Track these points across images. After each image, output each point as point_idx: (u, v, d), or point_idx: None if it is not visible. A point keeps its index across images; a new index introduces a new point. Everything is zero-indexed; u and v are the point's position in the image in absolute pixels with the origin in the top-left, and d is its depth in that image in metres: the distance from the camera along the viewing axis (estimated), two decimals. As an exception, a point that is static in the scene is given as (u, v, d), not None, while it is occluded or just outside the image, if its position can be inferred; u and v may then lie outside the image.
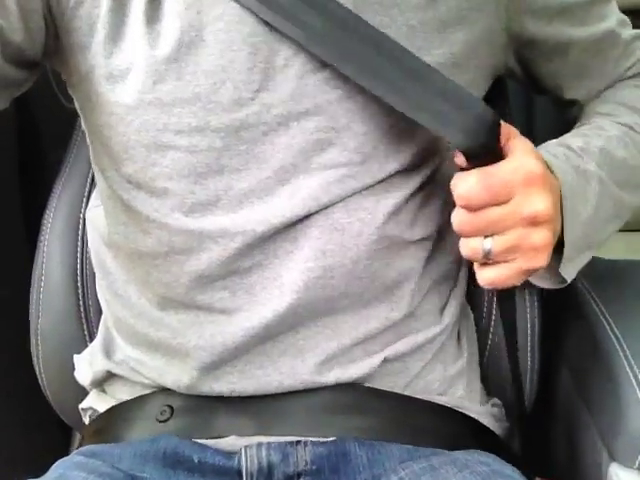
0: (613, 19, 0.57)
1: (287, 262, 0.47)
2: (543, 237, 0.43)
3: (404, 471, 0.46)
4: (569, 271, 0.50)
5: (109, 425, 0.53)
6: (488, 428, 0.54)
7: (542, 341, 0.60)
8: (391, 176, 0.48)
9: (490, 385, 0.60)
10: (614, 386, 0.52)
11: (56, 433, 0.76)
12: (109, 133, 0.49)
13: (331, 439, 0.48)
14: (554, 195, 0.45)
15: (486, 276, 0.44)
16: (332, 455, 0.47)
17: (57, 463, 0.49)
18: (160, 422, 0.50)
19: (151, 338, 0.51)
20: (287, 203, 0.46)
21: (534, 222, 0.43)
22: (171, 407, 0.50)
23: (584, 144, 0.51)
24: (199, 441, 0.49)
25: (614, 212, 0.52)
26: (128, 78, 0.47)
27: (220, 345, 0.48)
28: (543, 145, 0.51)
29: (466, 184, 0.42)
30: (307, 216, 0.47)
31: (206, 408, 0.50)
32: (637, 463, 0.51)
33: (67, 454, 0.52)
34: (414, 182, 0.50)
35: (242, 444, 0.48)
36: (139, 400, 0.52)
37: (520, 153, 0.43)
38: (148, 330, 0.51)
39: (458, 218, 0.43)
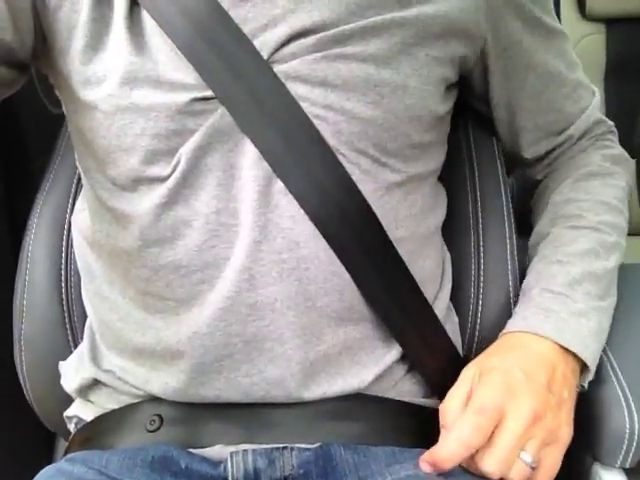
0: (565, 60, 0.59)
1: (257, 253, 0.47)
2: (554, 420, 0.46)
3: (390, 476, 0.46)
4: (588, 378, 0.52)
5: (97, 434, 0.53)
6: None
7: None
8: (373, 163, 0.49)
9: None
10: (596, 387, 0.52)
11: (40, 440, 0.76)
12: (92, 136, 0.50)
13: (317, 445, 0.48)
14: (546, 369, 0.48)
15: (546, 478, 0.46)
16: (319, 459, 0.47)
17: (42, 471, 0.49)
18: (150, 432, 0.50)
19: (135, 343, 0.51)
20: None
21: (538, 417, 0.45)
22: (160, 416, 0.50)
23: (564, 279, 0.53)
24: (187, 449, 0.49)
25: (611, 312, 0.55)
26: (104, 85, 0.48)
27: (200, 347, 0.48)
28: (528, 304, 0.53)
29: (459, 434, 0.44)
30: (277, 205, 0.47)
31: (194, 417, 0.50)
32: (619, 462, 0.52)
33: (52, 461, 0.52)
34: (395, 176, 0.50)
35: (229, 452, 0.48)
36: (127, 409, 0.52)
37: (478, 387, 0.47)
38: (134, 335, 0.51)
39: (486, 467, 0.44)
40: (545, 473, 0.46)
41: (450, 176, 0.62)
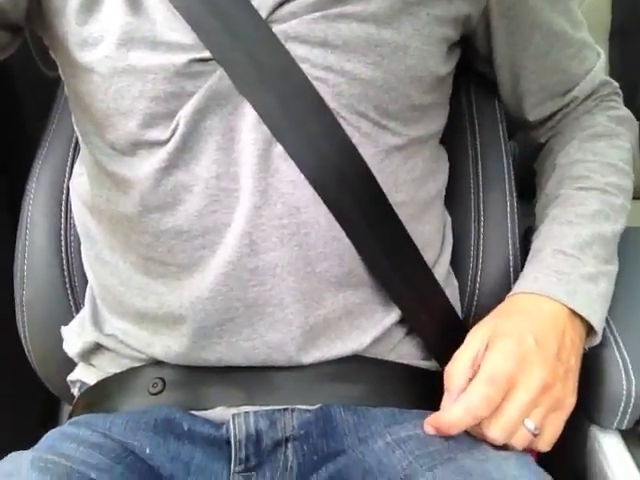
0: (571, 19, 0.58)
1: (257, 219, 0.46)
2: (562, 390, 0.46)
3: (390, 436, 0.46)
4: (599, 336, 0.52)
5: (100, 397, 0.53)
6: None
7: None
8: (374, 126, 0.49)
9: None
10: (595, 351, 0.53)
11: (44, 405, 0.77)
12: (89, 100, 0.49)
13: (317, 406, 0.49)
14: (557, 335, 0.48)
15: (547, 443, 0.47)
16: (319, 420, 0.48)
17: (47, 434, 0.50)
18: (152, 395, 0.50)
19: (137, 308, 0.51)
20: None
21: (547, 387, 0.45)
22: (162, 380, 0.51)
23: (575, 240, 0.52)
24: (190, 411, 0.49)
25: (614, 277, 0.55)
26: (101, 46, 0.47)
27: (202, 312, 0.48)
28: (539, 265, 0.52)
29: (471, 397, 0.45)
30: (277, 169, 0.47)
31: (196, 380, 0.50)
32: (615, 424, 0.52)
33: (56, 425, 0.52)
34: (396, 139, 0.50)
35: (230, 413, 0.48)
36: (130, 373, 0.52)
37: (491, 353, 0.46)
38: (135, 299, 0.51)
39: (491, 434, 0.45)
40: (547, 438, 0.47)
41: (451, 140, 0.61)
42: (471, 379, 0.45)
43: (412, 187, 0.52)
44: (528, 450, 0.55)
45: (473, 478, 0.41)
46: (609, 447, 0.53)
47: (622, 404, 0.51)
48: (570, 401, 0.48)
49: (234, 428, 0.48)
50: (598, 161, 0.57)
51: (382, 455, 0.45)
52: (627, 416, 0.52)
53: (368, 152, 0.48)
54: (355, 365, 0.50)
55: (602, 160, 0.57)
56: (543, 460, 0.57)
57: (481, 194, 0.61)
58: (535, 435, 0.46)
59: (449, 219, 0.61)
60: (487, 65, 0.60)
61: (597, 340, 0.52)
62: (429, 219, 0.55)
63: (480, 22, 0.56)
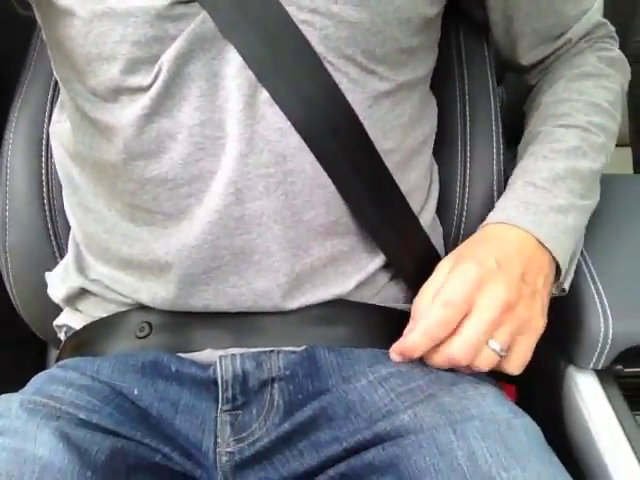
0: None
1: (243, 167, 0.46)
2: (528, 311, 0.47)
3: (373, 375, 0.48)
4: (568, 280, 0.53)
5: (87, 341, 0.54)
6: None
7: None
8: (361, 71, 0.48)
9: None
10: (573, 291, 0.54)
11: (32, 349, 0.77)
12: (70, 45, 0.47)
13: (302, 347, 0.49)
14: (521, 259, 0.48)
15: (515, 365, 0.47)
16: (304, 361, 0.49)
17: (35, 377, 0.50)
18: (139, 338, 0.51)
19: (123, 255, 0.51)
20: None
21: (510, 307, 0.46)
22: (149, 324, 0.51)
23: (548, 174, 0.52)
24: (177, 354, 0.50)
25: (589, 213, 0.55)
26: None
27: (187, 258, 0.48)
28: (509, 196, 0.53)
29: (426, 320, 0.46)
30: (263, 116, 0.46)
31: (183, 324, 0.50)
32: (591, 364, 0.54)
33: (44, 369, 0.53)
34: (385, 84, 0.49)
35: (218, 356, 0.49)
36: (117, 316, 0.53)
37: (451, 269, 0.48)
38: (121, 246, 0.51)
39: (451, 351, 0.45)
40: (515, 361, 0.47)
41: (440, 84, 0.61)
42: None
43: (400, 134, 0.52)
44: (505, 389, 0.57)
45: (452, 415, 0.43)
46: (585, 387, 0.54)
47: (599, 344, 0.52)
48: (538, 324, 0.48)
49: (221, 369, 0.48)
50: (582, 100, 0.57)
51: (365, 393, 0.47)
52: (603, 356, 0.53)
53: (356, 98, 0.48)
54: (339, 308, 0.51)
55: (587, 99, 0.57)
56: (520, 399, 0.59)
57: (468, 139, 0.61)
58: (501, 356, 0.46)
59: (436, 166, 0.61)
60: (479, 7, 0.59)
61: (566, 282, 0.52)
62: (416, 165, 0.55)
63: None
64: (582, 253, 0.56)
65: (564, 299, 0.52)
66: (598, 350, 0.53)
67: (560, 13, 0.58)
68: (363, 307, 0.52)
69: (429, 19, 0.51)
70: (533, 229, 0.49)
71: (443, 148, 0.61)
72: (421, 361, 0.48)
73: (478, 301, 0.45)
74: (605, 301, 0.53)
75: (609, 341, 0.52)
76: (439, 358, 0.46)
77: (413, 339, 0.46)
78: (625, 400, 0.53)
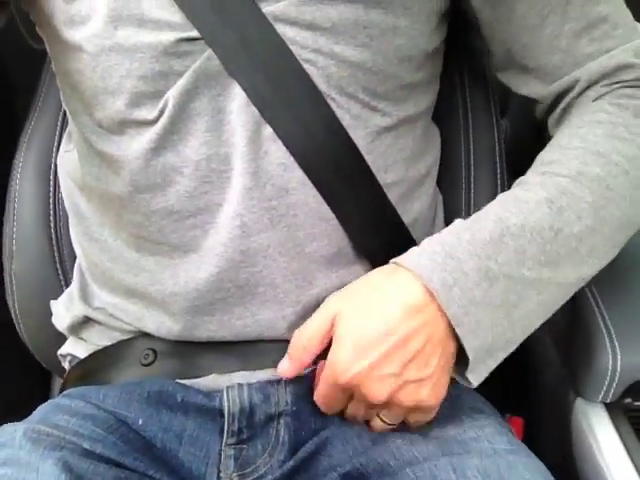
0: None
1: (248, 200, 0.46)
2: (410, 396, 0.43)
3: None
4: (481, 372, 0.44)
5: (92, 370, 0.53)
6: None
7: None
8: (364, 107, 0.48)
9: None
10: (582, 326, 0.53)
11: (37, 378, 0.77)
12: (78, 78, 0.48)
13: (309, 370, 0.48)
14: (414, 333, 0.42)
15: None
16: (309, 393, 0.48)
17: (40, 407, 0.50)
18: (144, 366, 0.50)
19: (127, 283, 0.51)
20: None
21: (387, 404, 0.44)
22: (154, 351, 0.51)
23: (495, 226, 0.44)
24: (182, 382, 0.49)
25: (549, 294, 0.45)
26: (89, 24, 0.46)
27: (194, 290, 0.48)
28: (438, 238, 0.45)
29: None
30: (266, 151, 0.47)
31: (188, 350, 0.50)
32: (600, 397, 0.53)
33: (48, 399, 0.52)
34: (386, 119, 0.50)
35: (223, 382, 0.49)
36: (122, 344, 0.52)
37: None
38: (125, 275, 0.51)
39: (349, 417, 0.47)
40: (418, 421, 0.46)
41: (443, 116, 0.61)
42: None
43: (402, 167, 0.52)
44: (512, 422, 0.56)
45: (450, 446, 0.42)
46: (594, 420, 0.54)
47: (607, 377, 0.52)
48: (430, 403, 0.43)
49: (228, 401, 0.48)
50: (583, 148, 0.48)
51: (361, 428, 0.47)
52: (612, 389, 0.53)
53: (359, 134, 0.48)
54: None
55: (589, 148, 0.47)
56: (527, 431, 0.58)
57: (472, 170, 0.62)
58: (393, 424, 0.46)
59: (440, 197, 0.61)
60: (478, 39, 0.57)
61: (475, 372, 0.43)
62: (419, 196, 0.55)
63: None
64: (589, 286, 0.55)
65: (571, 331, 0.52)
66: (607, 383, 0.52)
67: (567, 51, 0.50)
68: None
69: (429, 54, 0.52)
70: (441, 290, 0.42)
71: (447, 179, 0.62)
72: None
73: (357, 392, 0.44)
74: (613, 334, 0.52)
75: (617, 374, 0.52)
76: None
77: (316, 398, 0.47)
78: (635, 433, 0.53)
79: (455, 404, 0.47)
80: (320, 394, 0.46)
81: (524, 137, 0.66)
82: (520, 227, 0.44)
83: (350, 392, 0.45)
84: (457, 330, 0.42)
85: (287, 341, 0.49)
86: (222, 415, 0.48)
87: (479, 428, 0.44)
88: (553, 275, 0.45)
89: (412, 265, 0.44)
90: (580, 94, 0.51)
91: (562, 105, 0.53)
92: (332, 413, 0.48)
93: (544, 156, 0.50)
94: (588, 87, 0.51)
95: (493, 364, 0.44)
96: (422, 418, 0.46)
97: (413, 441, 0.43)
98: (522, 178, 0.49)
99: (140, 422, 0.48)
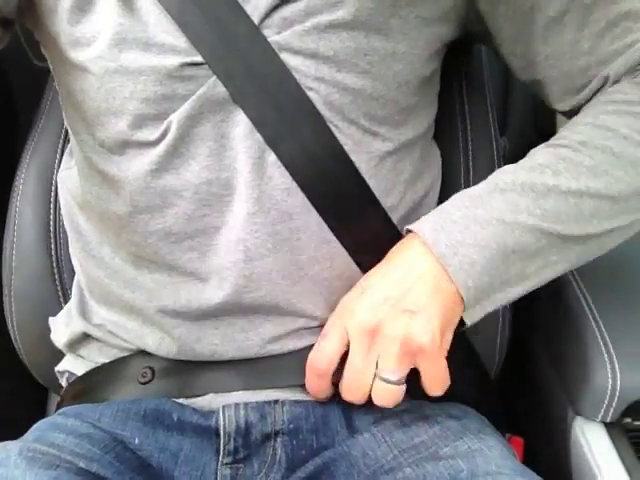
0: None
1: (251, 225, 0.47)
2: (395, 327, 0.43)
3: (376, 427, 0.47)
4: (475, 312, 0.46)
5: (89, 387, 0.53)
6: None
7: (512, 304, 0.61)
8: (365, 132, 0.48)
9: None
10: (581, 345, 0.53)
11: (33, 395, 0.76)
12: (82, 98, 0.49)
13: (309, 399, 0.49)
14: (393, 278, 0.45)
15: (434, 389, 0.45)
16: (310, 416, 0.48)
17: (36, 425, 0.49)
18: (142, 384, 0.50)
19: (126, 300, 0.51)
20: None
21: (376, 331, 0.44)
22: (152, 369, 0.51)
23: (486, 185, 0.46)
24: (178, 401, 0.49)
25: (549, 242, 0.45)
26: (93, 46, 0.47)
27: (197, 309, 0.48)
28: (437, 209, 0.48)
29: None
30: (271, 177, 0.47)
31: (187, 369, 0.50)
32: (599, 417, 0.53)
33: (44, 416, 0.52)
34: (387, 144, 0.50)
35: (220, 402, 0.48)
36: (119, 362, 0.52)
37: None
38: (123, 291, 0.51)
39: (343, 396, 0.46)
40: (430, 383, 0.45)
41: (442, 135, 0.62)
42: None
43: (402, 190, 0.52)
44: (512, 442, 0.56)
45: (457, 474, 0.42)
46: (593, 439, 0.53)
47: (607, 397, 0.52)
48: (423, 339, 0.43)
49: (224, 420, 0.48)
50: (592, 123, 0.48)
51: (368, 448, 0.46)
52: (612, 409, 0.52)
53: (361, 158, 0.49)
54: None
55: (597, 123, 0.47)
56: (527, 450, 0.58)
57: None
58: (402, 383, 0.44)
59: None
60: (499, 53, 0.55)
61: (471, 312, 0.45)
62: (417, 217, 0.55)
63: (470, 11, 0.52)
64: (588, 304, 0.55)
65: (571, 350, 0.52)
66: (606, 402, 0.52)
67: (591, 53, 0.50)
68: None
69: (426, 78, 0.52)
70: (428, 233, 0.45)
71: (447, 197, 0.62)
72: (425, 411, 0.47)
73: (349, 327, 0.45)
74: (613, 353, 0.52)
75: (617, 393, 0.51)
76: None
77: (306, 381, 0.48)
78: (634, 453, 0.52)
79: (462, 427, 0.46)
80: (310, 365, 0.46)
81: (523, 155, 0.66)
82: (510, 182, 0.45)
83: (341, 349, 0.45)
84: (448, 270, 0.44)
85: (285, 355, 0.49)
86: (218, 434, 0.48)
87: (487, 450, 0.44)
88: (552, 226, 0.45)
89: (411, 227, 0.47)
90: (604, 89, 0.51)
91: (590, 100, 0.52)
92: (325, 396, 0.47)
93: (556, 136, 0.50)
94: (615, 82, 0.50)
95: (489, 306, 0.46)
96: (428, 367, 0.44)
97: (422, 470, 0.42)
98: (530, 152, 0.49)
99: (136, 441, 0.48)
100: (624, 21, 0.49)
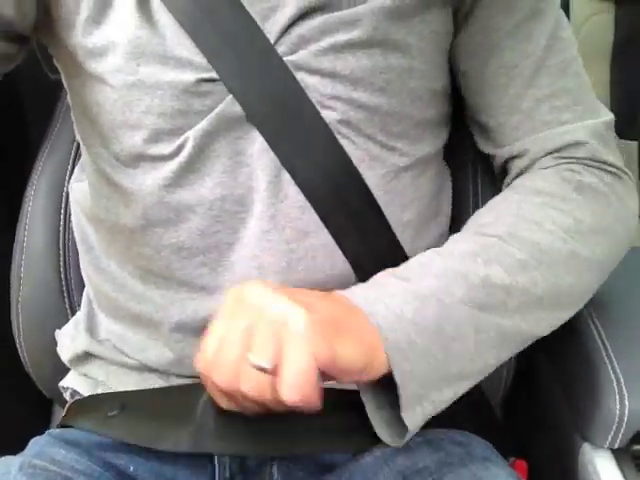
0: (542, 42, 0.50)
1: (265, 243, 0.47)
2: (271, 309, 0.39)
3: (379, 450, 0.46)
4: (417, 417, 0.41)
5: (89, 411, 0.52)
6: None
7: None
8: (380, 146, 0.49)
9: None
10: (590, 370, 0.53)
11: (36, 405, 0.76)
12: (97, 110, 0.49)
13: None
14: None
15: (285, 387, 0.37)
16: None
17: (35, 439, 0.49)
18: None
19: (133, 311, 0.51)
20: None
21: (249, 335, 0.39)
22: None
23: (417, 264, 0.45)
24: None
25: (487, 339, 0.43)
26: (110, 57, 0.47)
27: (202, 321, 0.48)
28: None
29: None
30: (286, 194, 0.47)
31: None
32: (607, 443, 0.52)
33: (48, 427, 0.52)
34: (404, 159, 0.50)
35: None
36: (117, 395, 0.51)
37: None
38: (130, 304, 0.51)
39: (215, 381, 0.40)
40: (286, 378, 0.37)
41: (453, 159, 0.61)
42: None
43: (417, 206, 0.52)
44: (517, 465, 0.55)
45: None
46: (601, 466, 0.53)
47: (615, 423, 0.51)
48: (297, 326, 0.38)
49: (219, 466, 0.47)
50: (518, 215, 0.47)
51: (370, 472, 0.45)
52: (620, 435, 0.51)
53: (378, 173, 0.49)
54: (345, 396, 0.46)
55: (523, 215, 0.47)
56: (532, 476, 0.57)
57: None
58: (269, 371, 0.37)
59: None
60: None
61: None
62: (428, 235, 0.55)
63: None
64: (597, 330, 0.55)
65: (579, 376, 0.51)
66: (614, 429, 0.51)
67: (527, 114, 0.51)
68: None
69: (437, 92, 0.52)
70: (364, 304, 0.41)
71: (455, 220, 0.61)
72: (428, 436, 0.46)
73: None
74: (621, 379, 0.51)
75: (625, 419, 0.51)
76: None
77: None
78: (643, 482, 0.51)
79: (466, 454, 0.46)
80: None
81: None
82: (443, 268, 0.44)
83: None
84: (384, 345, 0.39)
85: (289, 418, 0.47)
86: (212, 462, 0.48)
87: (492, 479, 0.43)
88: (489, 317, 0.43)
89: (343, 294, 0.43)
90: (531, 164, 0.52)
91: (514, 171, 0.53)
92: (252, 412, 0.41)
93: (479, 217, 0.50)
94: (539, 158, 0.51)
95: (428, 408, 0.41)
96: (295, 354, 0.37)
97: None
98: (453, 236, 0.48)
99: (131, 469, 0.47)
100: (566, 96, 0.50)
